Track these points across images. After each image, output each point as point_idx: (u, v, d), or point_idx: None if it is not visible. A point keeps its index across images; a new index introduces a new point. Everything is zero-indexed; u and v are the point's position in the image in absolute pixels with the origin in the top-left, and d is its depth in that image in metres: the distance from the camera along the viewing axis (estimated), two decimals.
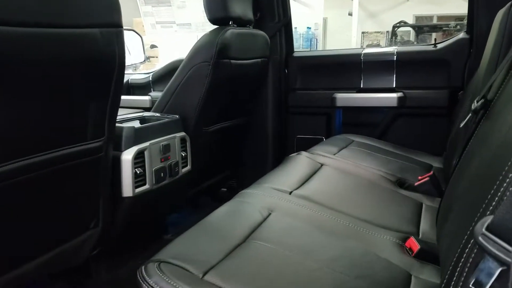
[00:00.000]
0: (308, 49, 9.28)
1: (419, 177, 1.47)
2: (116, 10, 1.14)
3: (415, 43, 8.61)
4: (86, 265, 1.37)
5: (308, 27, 9.07)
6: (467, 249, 0.54)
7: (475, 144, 0.88)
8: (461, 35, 1.99)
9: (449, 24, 7.76)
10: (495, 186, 0.53)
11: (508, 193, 0.48)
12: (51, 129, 1.05)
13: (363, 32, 10.20)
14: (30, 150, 1.01)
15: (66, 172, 1.12)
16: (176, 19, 3.33)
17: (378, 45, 10.22)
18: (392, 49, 2.10)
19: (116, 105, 1.25)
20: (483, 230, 0.46)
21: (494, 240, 0.44)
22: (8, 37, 0.85)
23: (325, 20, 9.99)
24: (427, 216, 1.23)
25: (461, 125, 1.01)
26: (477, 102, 0.95)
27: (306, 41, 9.08)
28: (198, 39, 1.75)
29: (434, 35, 8.94)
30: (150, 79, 2.52)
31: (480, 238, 0.46)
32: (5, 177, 0.95)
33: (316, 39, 9.58)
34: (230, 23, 1.80)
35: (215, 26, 1.78)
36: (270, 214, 1.06)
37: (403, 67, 2.04)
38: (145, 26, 3.45)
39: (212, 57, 1.65)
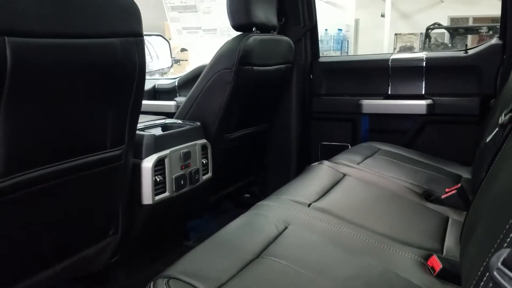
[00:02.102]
0: (339, 51, 9.19)
1: (447, 189, 1.41)
2: (136, 19, 1.14)
3: (449, 45, 8.38)
4: (105, 271, 1.39)
5: (339, 29, 8.98)
6: (483, 282, 0.51)
7: (501, 160, 0.83)
8: (494, 40, 1.90)
9: (485, 26, 7.50)
10: None
11: None
12: (71, 137, 1.07)
13: (396, 34, 10.02)
14: (51, 158, 1.02)
15: (86, 180, 1.14)
16: (202, 24, 3.35)
17: (411, 47, 10.02)
18: (422, 54, 2.03)
19: (136, 113, 1.26)
20: (499, 264, 0.42)
21: (510, 277, 0.41)
22: (31, 48, 0.87)
23: (356, 22, 9.85)
24: (453, 232, 1.18)
25: (488, 139, 0.96)
26: (505, 115, 0.90)
27: (337, 43, 8.98)
28: (222, 45, 1.74)
29: (469, 37, 8.68)
30: (176, 84, 2.54)
31: (495, 272, 0.42)
32: (26, 185, 0.97)
33: (347, 41, 9.47)
34: (254, 29, 1.78)
35: (232, 27, 1.77)
36: (286, 227, 1.03)
37: (433, 73, 1.98)
38: (171, 31, 3.49)
39: (234, 64, 1.64)
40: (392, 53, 2.18)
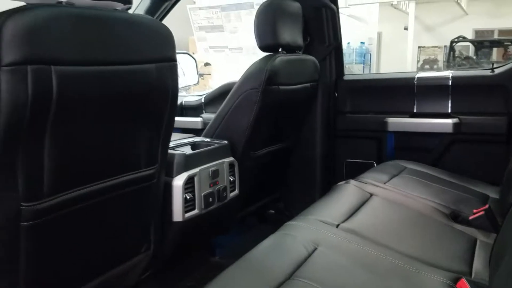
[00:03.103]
0: (361, 65, 9.15)
1: (474, 210, 1.41)
2: (170, 45, 1.20)
3: (474, 58, 8.28)
4: (135, 287, 1.43)
5: (361, 42, 8.97)
6: None
7: None
8: None
9: (511, 39, 7.39)
10: None
11: None
12: (109, 158, 1.12)
13: (419, 47, 9.94)
14: (91, 178, 1.07)
15: (122, 198, 1.18)
16: (228, 43, 3.44)
17: (435, 60, 9.91)
18: (447, 73, 2.03)
19: (169, 134, 1.31)
20: None
21: None
22: (75, 75, 0.93)
23: (379, 35, 9.83)
24: (481, 254, 1.18)
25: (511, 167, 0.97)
26: None
27: (360, 56, 8.98)
28: (250, 64, 1.79)
29: (495, 50, 8.55)
30: (203, 101, 2.60)
31: None
32: (68, 204, 1.02)
33: (370, 54, 9.45)
34: (280, 50, 1.82)
35: (259, 48, 1.82)
36: (315, 249, 1.06)
37: (459, 92, 1.97)
38: (198, 50, 3.59)
39: (261, 84, 1.68)
40: (417, 72, 2.19)
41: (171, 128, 1.30)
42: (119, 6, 1.08)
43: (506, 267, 0.78)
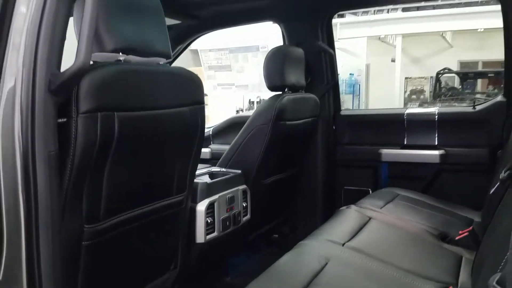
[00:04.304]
0: (351, 94, 9.47)
1: (460, 232, 1.61)
2: (201, 89, 1.42)
3: (460, 88, 8.63)
4: None
5: (350, 74, 9.32)
6: None
7: (502, 210, 1.05)
8: (499, 98, 2.15)
9: (494, 71, 7.77)
10: (508, 252, 0.72)
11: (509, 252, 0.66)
12: (151, 187, 1.32)
13: (406, 78, 10.31)
14: (136, 204, 1.27)
15: (158, 221, 1.38)
16: (235, 81, 3.71)
17: (422, 90, 10.27)
18: (434, 109, 2.28)
19: (196, 164, 1.51)
20: (494, 283, 0.64)
21: None
22: (131, 119, 1.14)
23: (367, 66, 10.21)
24: (466, 268, 1.38)
25: (491, 192, 1.19)
26: (505, 172, 1.13)
27: (349, 87, 9.33)
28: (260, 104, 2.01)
29: (479, 81, 8.93)
30: (210, 133, 2.81)
31: None
32: (118, 227, 1.21)
33: (359, 85, 9.79)
34: (286, 89, 2.06)
35: (267, 88, 2.07)
36: (326, 263, 1.25)
37: (445, 126, 2.21)
38: (207, 87, 3.85)
39: (271, 120, 1.91)
40: (406, 108, 2.43)
41: (198, 159, 1.51)
42: (162, 60, 1.30)
43: (483, 276, 0.98)
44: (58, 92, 0.95)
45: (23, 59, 0.92)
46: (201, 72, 4.65)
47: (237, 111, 7.13)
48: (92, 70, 1.04)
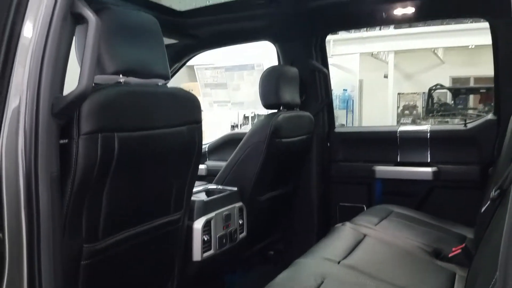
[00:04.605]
0: (344, 110, 9.55)
1: (453, 249, 1.64)
2: (198, 109, 1.45)
3: (452, 104, 8.75)
4: None
5: (344, 89, 9.42)
6: None
7: (493, 228, 1.08)
8: (489, 116, 2.20)
9: (485, 87, 7.89)
10: (497, 273, 0.74)
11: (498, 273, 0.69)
12: (149, 204, 1.34)
13: (399, 93, 10.43)
14: (134, 222, 1.29)
15: (155, 240, 1.39)
16: (231, 98, 3.79)
17: (414, 106, 10.39)
18: (426, 127, 2.32)
19: (193, 182, 1.53)
20: None
21: None
22: (130, 139, 1.17)
23: (361, 82, 10.33)
24: (459, 286, 1.40)
25: (482, 210, 1.22)
26: (495, 191, 1.16)
27: (343, 102, 9.42)
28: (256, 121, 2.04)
29: (471, 97, 9.06)
30: (206, 149, 2.83)
31: None
32: (116, 245, 1.23)
33: (353, 100, 9.89)
34: (281, 108, 2.10)
35: (263, 106, 2.10)
36: (323, 281, 1.27)
37: (437, 143, 2.25)
38: (203, 104, 3.92)
39: (267, 137, 1.94)
40: (399, 125, 2.47)
41: (195, 177, 1.53)
42: (161, 81, 1.33)
43: None
44: (60, 115, 0.97)
45: (28, 81, 0.94)
46: (197, 88, 4.72)
47: (232, 126, 7.19)
48: (93, 92, 1.07)
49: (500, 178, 1.24)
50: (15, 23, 0.95)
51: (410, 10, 1.99)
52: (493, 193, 1.16)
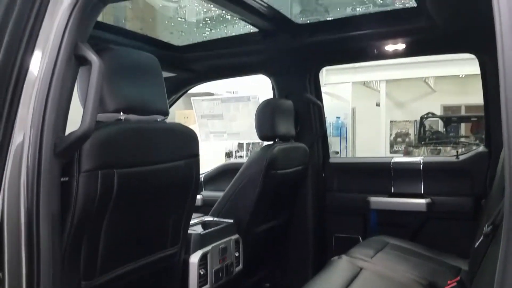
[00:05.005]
0: (338, 137, 9.63)
1: (449, 281, 1.64)
2: (196, 143, 1.48)
3: (443, 132, 8.85)
4: None
5: (337, 117, 9.53)
6: None
7: (486, 264, 1.10)
8: (481, 148, 2.24)
9: (476, 115, 8.01)
10: None
11: None
12: (146, 239, 1.35)
13: (391, 121, 10.56)
14: (131, 258, 1.29)
15: (151, 275, 1.39)
16: (227, 129, 3.86)
17: (407, 134, 10.51)
18: (418, 159, 2.36)
19: (189, 216, 1.54)
20: None
21: None
22: (129, 175, 1.19)
23: (353, 110, 10.47)
24: None
25: (476, 244, 1.23)
26: (488, 227, 1.18)
27: (336, 130, 9.51)
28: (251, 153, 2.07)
29: (463, 125, 9.17)
30: (202, 179, 2.84)
31: None
32: (113, 281, 1.23)
33: (346, 128, 9.99)
34: (276, 139, 2.13)
35: (259, 138, 2.15)
36: None
37: (430, 175, 2.28)
38: (200, 134, 3.97)
39: (263, 169, 1.96)
40: (392, 157, 2.51)
41: (192, 212, 1.54)
42: (160, 117, 1.36)
43: None
44: (63, 155, 0.99)
45: (32, 119, 0.96)
46: (192, 115, 4.78)
47: (227, 153, 7.21)
48: (94, 130, 1.09)
49: (493, 212, 1.27)
50: (24, 60, 0.98)
51: (401, 46, 2.06)
52: (486, 228, 1.18)
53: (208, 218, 1.96)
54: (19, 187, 0.94)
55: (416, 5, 1.69)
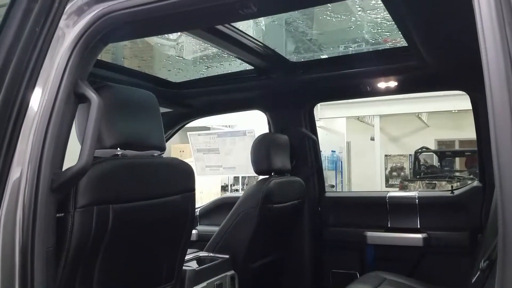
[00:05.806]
0: (333, 171, 9.63)
1: None
2: (192, 177, 1.48)
3: (438, 166, 8.89)
4: None
5: (332, 150, 9.57)
6: None
7: None
8: (475, 183, 2.26)
9: (470, 150, 8.06)
10: None
11: None
12: (140, 276, 1.33)
13: (386, 155, 10.63)
14: None
15: None
16: (223, 163, 3.89)
17: (402, 167, 10.55)
18: (414, 193, 2.37)
19: (184, 252, 1.53)
20: None
21: None
22: (124, 210, 1.18)
23: (348, 144, 10.55)
24: None
25: (473, 281, 1.23)
26: (484, 262, 1.18)
27: (332, 163, 9.53)
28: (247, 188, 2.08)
29: (457, 159, 9.22)
30: (197, 214, 2.83)
31: None
32: None
33: (341, 162, 10.01)
34: (272, 174, 2.14)
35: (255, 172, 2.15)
36: None
37: (425, 210, 2.29)
38: (196, 168, 4.01)
39: (259, 203, 1.96)
40: (388, 191, 2.51)
41: (187, 247, 1.53)
42: (156, 153, 1.37)
43: None
44: (59, 191, 1.00)
45: (30, 155, 0.98)
46: (188, 149, 4.80)
47: (223, 187, 7.18)
48: (91, 166, 1.10)
49: (489, 248, 1.27)
50: (25, 96, 1.00)
51: (393, 84, 2.10)
52: (482, 264, 1.18)
53: (203, 254, 1.94)
54: (15, 222, 0.94)
55: (407, 45, 1.74)
